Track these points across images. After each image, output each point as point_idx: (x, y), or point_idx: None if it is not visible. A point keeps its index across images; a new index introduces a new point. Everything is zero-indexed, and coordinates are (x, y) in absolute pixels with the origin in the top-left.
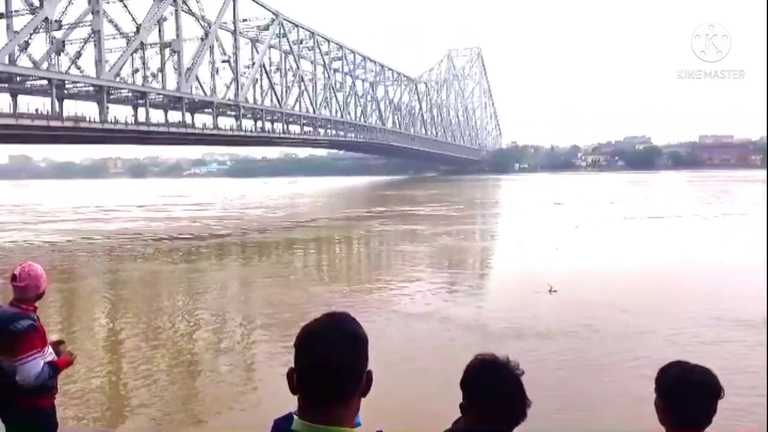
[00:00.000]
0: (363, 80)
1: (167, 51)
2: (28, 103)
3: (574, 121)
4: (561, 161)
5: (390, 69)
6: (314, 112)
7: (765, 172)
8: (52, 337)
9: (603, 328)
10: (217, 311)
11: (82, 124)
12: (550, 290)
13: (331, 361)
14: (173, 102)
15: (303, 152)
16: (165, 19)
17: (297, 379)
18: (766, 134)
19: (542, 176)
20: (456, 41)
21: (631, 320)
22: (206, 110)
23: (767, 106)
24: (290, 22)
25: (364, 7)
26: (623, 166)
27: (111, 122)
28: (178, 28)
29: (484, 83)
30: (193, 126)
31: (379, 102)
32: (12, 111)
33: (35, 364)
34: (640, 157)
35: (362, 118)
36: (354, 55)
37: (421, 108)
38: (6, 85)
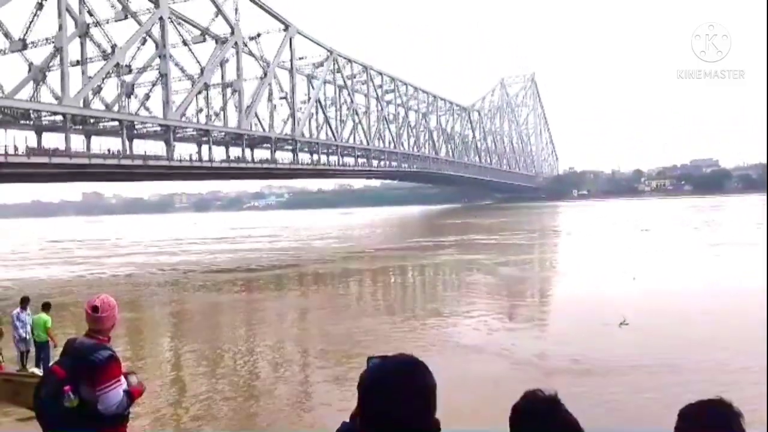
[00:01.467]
0: (416, 111)
1: (229, 90)
2: (101, 144)
3: (636, 145)
4: (623, 186)
5: (442, 99)
6: (368, 143)
7: None
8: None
9: (680, 364)
10: (279, 340)
11: (151, 162)
12: (621, 323)
13: (401, 419)
14: (234, 138)
15: (358, 183)
16: (227, 61)
17: (361, 424)
18: (765, 135)
19: (603, 202)
20: (509, 68)
21: (716, 355)
22: (265, 145)
23: (767, 106)
24: (344, 57)
25: (416, 39)
26: (690, 191)
27: (177, 159)
28: (239, 69)
29: (538, 109)
30: (252, 161)
31: (432, 132)
32: (86, 150)
33: (116, 394)
34: (708, 181)
35: (415, 148)
36: (406, 87)
37: (474, 136)
38: (81, 127)
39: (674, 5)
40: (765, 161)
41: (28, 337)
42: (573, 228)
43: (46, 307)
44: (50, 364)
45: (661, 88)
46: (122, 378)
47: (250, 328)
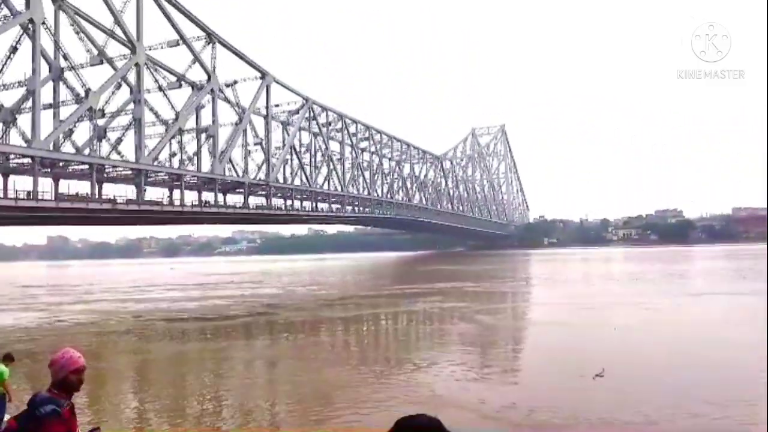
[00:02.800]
0: (389, 158)
1: (203, 135)
2: (69, 186)
3: (602, 195)
4: (591, 235)
5: (416, 147)
6: (342, 189)
7: None
8: (87, 427)
9: (654, 418)
10: (243, 394)
11: (119, 206)
12: (596, 375)
13: None
14: (207, 183)
15: (331, 229)
16: (202, 107)
17: None
18: (766, 131)
19: (573, 251)
20: (480, 118)
21: (690, 406)
22: (238, 190)
23: (767, 106)
24: (319, 105)
25: (389, 87)
26: (656, 240)
27: (148, 203)
28: (214, 114)
29: (508, 159)
30: (225, 205)
31: (405, 179)
32: (53, 194)
33: None
34: (673, 231)
35: (389, 194)
36: (381, 135)
37: (447, 184)
38: (49, 170)
39: (644, 43)
40: (727, 212)
41: None
42: (548, 276)
43: (7, 357)
44: (3, 418)
45: (629, 137)
46: None
47: (223, 378)
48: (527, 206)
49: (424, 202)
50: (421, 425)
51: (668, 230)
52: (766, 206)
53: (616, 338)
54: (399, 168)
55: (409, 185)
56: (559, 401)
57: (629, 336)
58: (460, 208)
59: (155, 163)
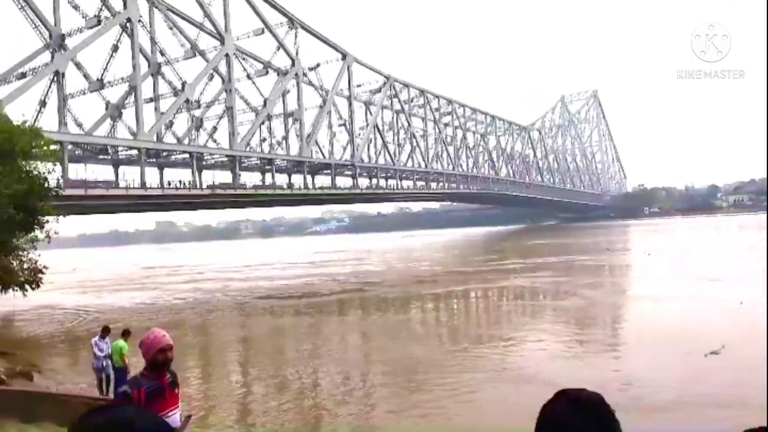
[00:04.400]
0: (474, 132)
1: (290, 120)
2: (172, 175)
3: (710, 159)
4: (697, 203)
5: (501, 119)
6: (426, 166)
7: None
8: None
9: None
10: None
11: (218, 191)
12: (711, 352)
13: None
14: (296, 165)
15: (417, 206)
16: (288, 92)
17: None
18: (765, 135)
19: (677, 220)
20: (570, 85)
21: None
22: (325, 171)
23: (767, 106)
24: (400, 83)
25: (473, 60)
26: None
27: (242, 187)
28: (299, 99)
29: (602, 126)
30: (313, 187)
31: (491, 152)
32: (159, 182)
33: None
34: None
35: (474, 169)
36: (464, 109)
37: (535, 155)
38: (154, 160)
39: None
40: None
41: (105, 363)
42: (657, 247)
43: (125, 333)
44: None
45: (733, 94)
46: None
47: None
48: (624, 174)
49: (511, 174)
50: (579, 398)
51: None
52: (766, 204)
53: (741, 313)
54: (484, 141)
55: (495, 158)
56: (665, 380)
57: (759, 311)
58: (551, 179)
59: (247, 149)
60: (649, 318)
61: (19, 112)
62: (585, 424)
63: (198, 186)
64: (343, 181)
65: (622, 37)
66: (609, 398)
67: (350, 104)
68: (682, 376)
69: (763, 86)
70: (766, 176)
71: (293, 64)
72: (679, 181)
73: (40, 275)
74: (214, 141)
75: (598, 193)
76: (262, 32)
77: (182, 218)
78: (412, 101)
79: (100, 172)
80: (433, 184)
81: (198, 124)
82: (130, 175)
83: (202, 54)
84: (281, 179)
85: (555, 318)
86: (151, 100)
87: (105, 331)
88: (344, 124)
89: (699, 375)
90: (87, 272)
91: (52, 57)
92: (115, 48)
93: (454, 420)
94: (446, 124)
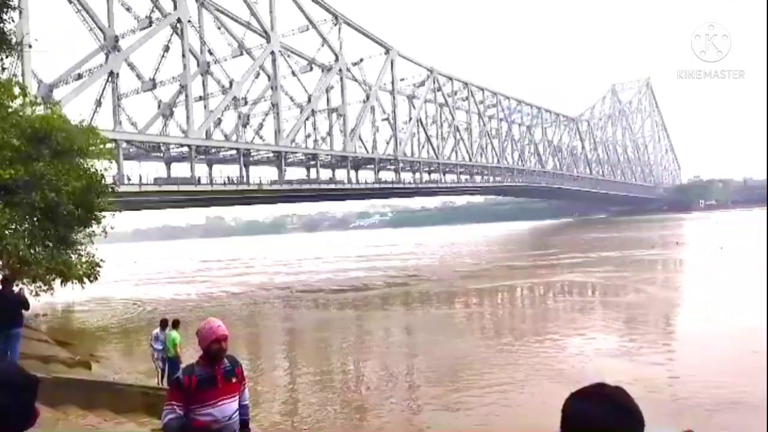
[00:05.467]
0: (519, 124)
1: (334, 115)
2: (221, 171)
3: None
4: (757, 195)
5: (547, 110)
6: (470, 159)
7: None
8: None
9: None
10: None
11: (265, 186)
12: None
13: None
14: (340, 161)
15: (460, 200)
16: (332, 88)
17: None
18: (765, 137)
19: (736, 213)
20: (621, 74)
21: None
22: (368, 166)
23: (767, 106)
24: (444, 75)
25: (518, 51)
26: None
27: (288, 182)
28: (343, 94)
29: (655, 115)
30: (357, 182)
31: (538, 144)
32: (209, 179)
33: (163, 415)
34: None
35: (520, 162)
36: (509, 101)
37: (583, 147)
38: (204, 157)
39: None
40: None
41: (164, 355)
42: (728, 242)
43: (175, 324)
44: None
45: None
46: (173, 404)
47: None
48: (678, 166)
49: (558, 167)
50: (600, 394)
51: None
52: (766, 202)
53: None
54: (530, 133)
55: (541, 151)
56: (721, 382)
57: None
58: (600, 172)
59: (293, 145)
60: (713, 318)
61: (77, 112)
62: (607, 418)
63: (245, 181)
64: (387, 176)
65: (678, 20)
66: (665, 400)
67: (393, 98)
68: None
69: (763, 86)
70: (766, 177)
71: (337, 60)
72: (736, 173)
73: (97, 269)
74: (261, 137)
75: (650, 185)
76: (307, 29)
77: (231, 213)
78: (455, 94)
79: (153, 169)
80: (478, 178)
81: (245, 121)
82: (181, 172)
83: (249, 52)
84: (325, 174)
85: (610, 315)
86: (200, 98)
87: (164, 324)
88: (387, 119)
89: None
90: (146, 265)
91: (107, 58)
92: (166, 48)
93: (495, 420)
94: (491, 117)
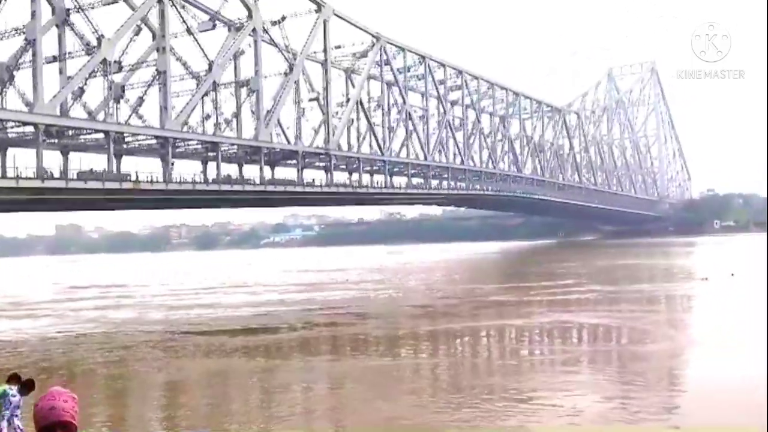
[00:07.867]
0: (491, 114)
1: (244, 91)
2: (81, 160)
3: None
4: None
5: (527, 97)
6: (426, 158)
7: None
8: None
9: None
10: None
11: (143, 186)
12: None
13: None
14: (250, 153)
15: (412, 211)
16: (242, 53)
17: None
18: (765, 134)
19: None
20: (620, 56)
21: None
22: (290, 162)
23: (767, 106)
24: (395, 45)
25: (493, 17)
26: None
27: (176, 182)
28: (257, 63)
29: (661, 109)
30: (274, 182)
31: (513, 141)
32: (62, 172)
33: None
34: None
35: (490, 163)
36: (477, 82)
37: (572, 147)
38: (56, 141)
39: None
40: None
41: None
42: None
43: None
44: None
45: None
46: None
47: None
48: (689, 175)
49: (539, 172)
50: None
51: None
52: (766, 202)
53: None
54: (504, 126)
55: (518, 149)
56: None
57: None
58: (592, 180)
59: (184, 129)
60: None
61: None
62: None
63: (116, 178)
64: (314, 175)
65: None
66: None
67: (326, 72)
68: None
69: (763, 86)
70: (766, 179)
71: (250, 16)
72: (760, 188)
73: None
74: (140, 117)
75: (653, 199)
76: None
77: (91, 221)
78: (409, 70)
79: None
80: (435, 182)
81: (118, 93)
82: (21, 161)
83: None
84: (230, 170)
85: (594, 367)
86: (54, 59)
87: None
88: (317, 99)
89: None
90: None
91: None
92: None
93: None
94: (454, 103)
